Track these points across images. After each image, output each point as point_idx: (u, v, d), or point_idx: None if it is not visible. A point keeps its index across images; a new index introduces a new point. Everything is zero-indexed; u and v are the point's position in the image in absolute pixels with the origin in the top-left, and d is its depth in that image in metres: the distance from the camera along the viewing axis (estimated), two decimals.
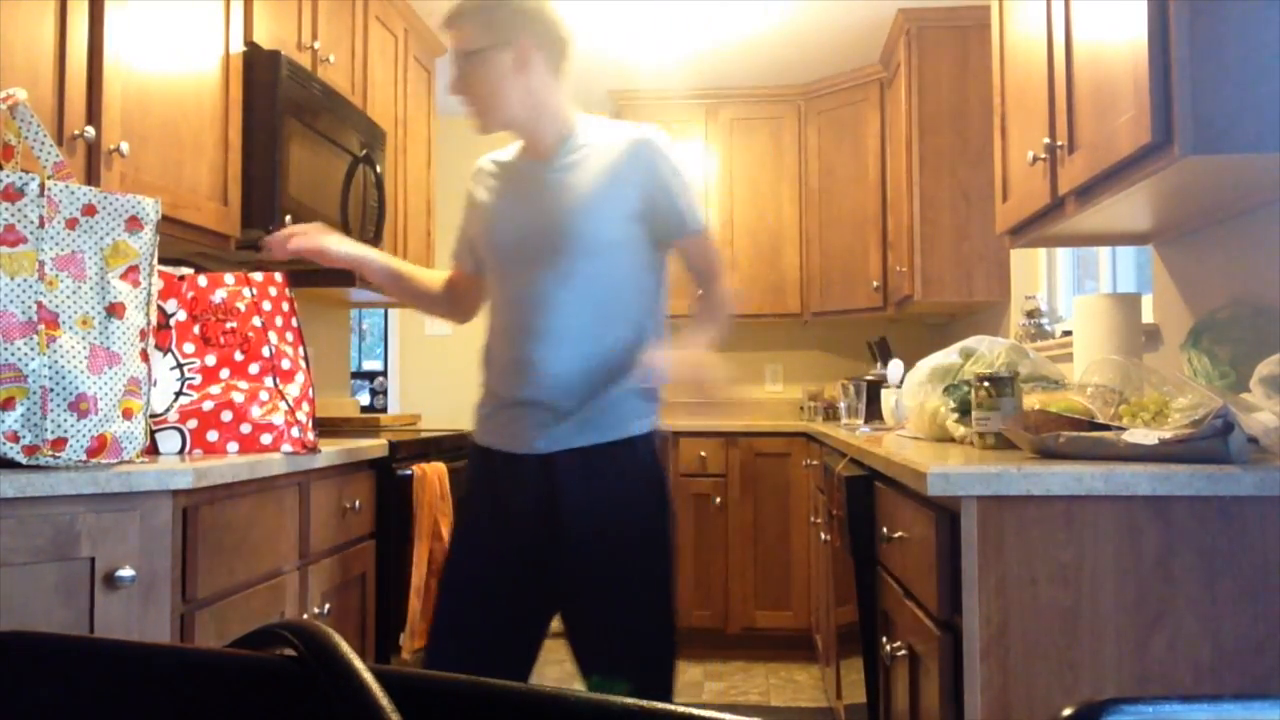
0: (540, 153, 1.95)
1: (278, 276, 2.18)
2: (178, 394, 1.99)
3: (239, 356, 2.06)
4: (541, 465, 1.82)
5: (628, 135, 1.91)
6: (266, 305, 2.13)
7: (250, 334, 2.08)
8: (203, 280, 2.08)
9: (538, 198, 1.91)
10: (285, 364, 2.13)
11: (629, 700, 0.44)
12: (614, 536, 1.82)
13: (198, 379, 2.01)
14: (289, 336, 2.15)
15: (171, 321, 2.00)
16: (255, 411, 2.03)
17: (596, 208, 1.84)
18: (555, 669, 4.22)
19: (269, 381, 2.09)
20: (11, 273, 1.57)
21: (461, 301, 2.16)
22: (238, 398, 2.02)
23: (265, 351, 2.09)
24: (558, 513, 1.81)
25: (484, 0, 1.89)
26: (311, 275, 3.14)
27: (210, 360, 2.03)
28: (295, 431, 2.08)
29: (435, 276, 2.18)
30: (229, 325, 2.05)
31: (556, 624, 1.91)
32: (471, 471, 1.98)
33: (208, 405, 1.99)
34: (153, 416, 1.96)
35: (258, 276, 2.16)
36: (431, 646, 1.91)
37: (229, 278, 2.11)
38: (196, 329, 2.02)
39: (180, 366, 1.99)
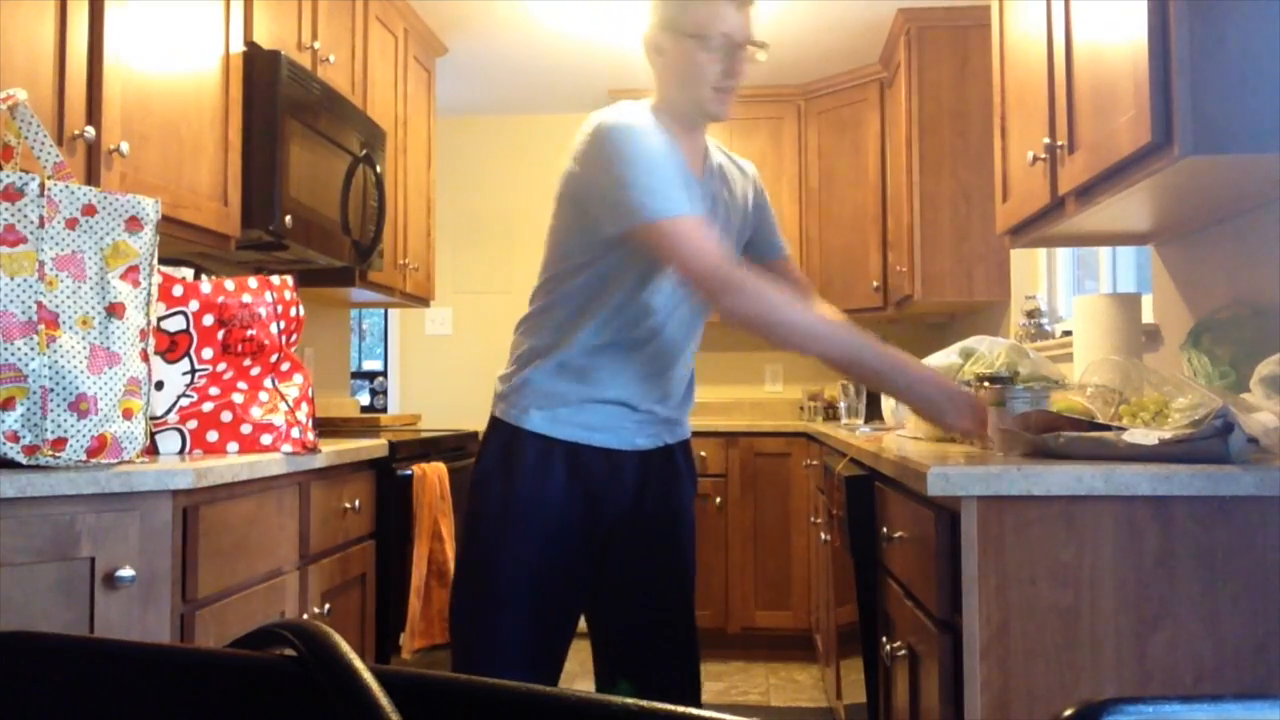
0: (694, 160, 1.87)
1: (289, 279, 2.18)
2: (180, 395, 1.99)
3: (246, 361, 2.06)
4: (641, 460, 1.87)
5: (741, 160, 2.02)
6: (279, 308, 2.13)
7: (266, 341, 2.08)
8: (230, 284, 2.07)
9: (708, 209, 1.84)
10: (285, 365, 2.13)
11: (629, 700, 0.44)
12: (682, 530, 1.97)
13: (203, 383, 2.01)
14: (293, 338, 2.16)
15: (192, 329, 1.99)
16: (255, 412, 2.03)
17: (747, 223, 1.96)
18: None
19: (268, 382, 2.09)
20: (11, 273, 1.57)
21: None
22: (237, 398, 2.02)
23: (273, 358, 2.10)
24: (643, 503, 1.88)
25: None
26: (312, 275, 3.15)
27: (222, 367, 2.03)
28: (295, 432, 2.08)
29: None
30: (249, 333, 2.04)
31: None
32: (539, 463, 1.79)
33: (207, 406, 1.99)
34: (153, 418, 1.96)
35: (275, 280, 2.16)
36: (521, 656, 1.79)
37: (252, 282, 2.10)
38: (221, 335, 2.01)
39: (193, 373, 1.99)
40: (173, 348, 1.97)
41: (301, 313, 2.17)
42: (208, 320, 2.00)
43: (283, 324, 2.11)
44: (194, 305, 2.00)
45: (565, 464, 1.78)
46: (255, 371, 2.07)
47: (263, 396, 2.06)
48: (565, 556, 1.80)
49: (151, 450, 1.93)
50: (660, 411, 1.89)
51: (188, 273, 2.18)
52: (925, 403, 1.70)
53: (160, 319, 1.96)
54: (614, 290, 1.76)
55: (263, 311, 2.08)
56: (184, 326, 1.99)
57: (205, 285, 2.04)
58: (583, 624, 1.96)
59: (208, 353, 2.00)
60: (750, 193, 1.98)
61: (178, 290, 2.00)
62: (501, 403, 1.84)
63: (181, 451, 1.98)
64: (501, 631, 1.78)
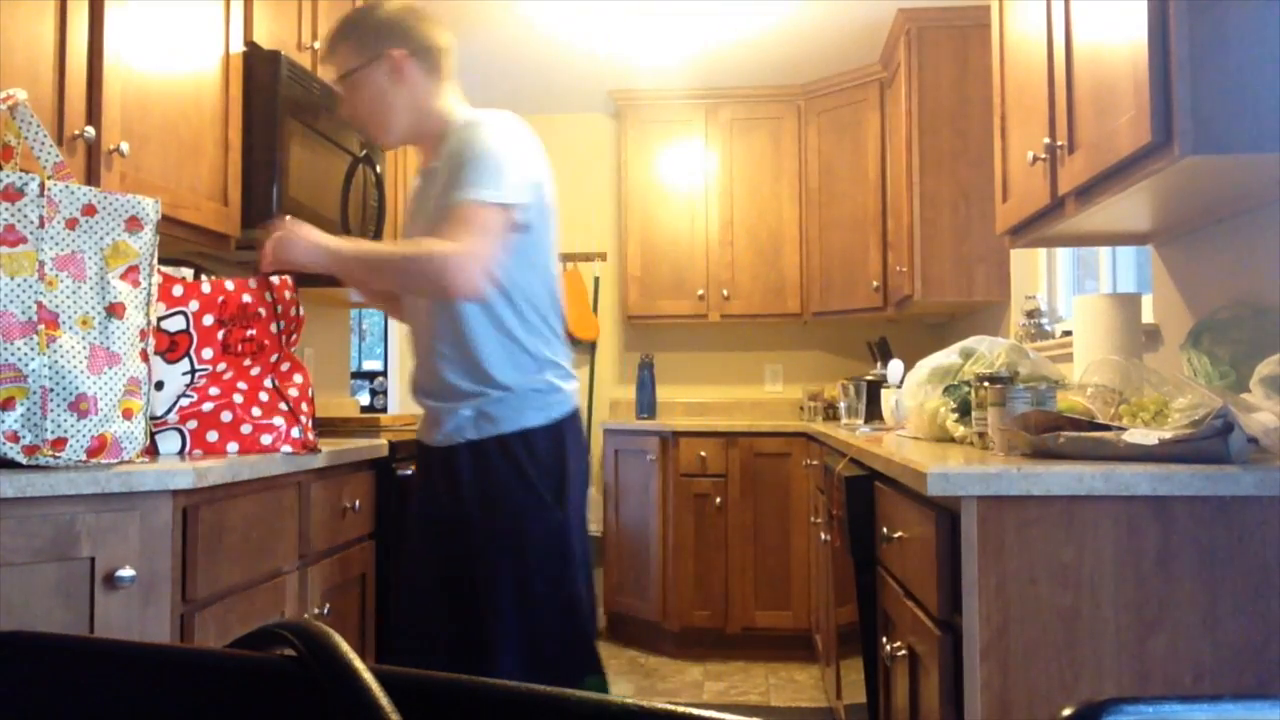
0: (426, 158, 2.09)
1: (289, 279, 2.18)
2: (180, 395, 1.99)
3: (246, 362, 2.06)
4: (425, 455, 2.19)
5: (458, 125, 2.02)
6: (278, 308, 2.13)
7: (266, 342, 2.07)
8: (230, 285, 2.07)
9: (413, 209, 2.12)
10: (285, 365, 2.13)
11: (629, 700, 0.44)
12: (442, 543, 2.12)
13: (203, 383, 2.01)
14: (293, 337, 2.16)
15: (192, 328, 1.98)
16: (255, 412, 2.03)
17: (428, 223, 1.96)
18: None
19: (269, 382, 2.09)
20: (11, 273, 1.57)
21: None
22: (237, 398, 2.02)
23: (273, 358, 2.09)
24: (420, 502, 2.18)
25: (349, 23, 2.03)
26: (312, 275, 3.14)
27: (222, 367, 2.03)
28: (295, 432, 2.08)
29: None
30: (249, 333, 2.04)
31: None
32: (576, 448, 2.03)
33: (207, 406, 1.99)
34: (153, 418, 1.96)
35: (274, 280, 2.15)
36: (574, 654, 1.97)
37: (252, 281, 2.10)
38: (221, 335, 2.01)
39: (193, 373, 1.98)
40: (173, 348, 1.96)
41: (302, 312, 2.16)
42: (208, 320, 2.00)
43: (282, 324, 2.11)
44: (194, 305, 2.00)
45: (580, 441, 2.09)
46: (255, 371, 2.07)
47: (263, 396, 2.05)
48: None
49: (151, 450, 1.93)
50: (425, 403, 2.10)
51: (188, 273, 2.18)
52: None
53: (160, 319, 1.96)
54: None
55: (262, 311, 2.08)
56: (184, 326, 1.98)
57: (205, 285, 2.04)
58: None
59: (208, 353, 2.00)
60: (445, 169, 1.98)
61: (177, 290, 1.99)
62: None
63: (181, 451, 1.97)
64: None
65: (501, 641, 1.88)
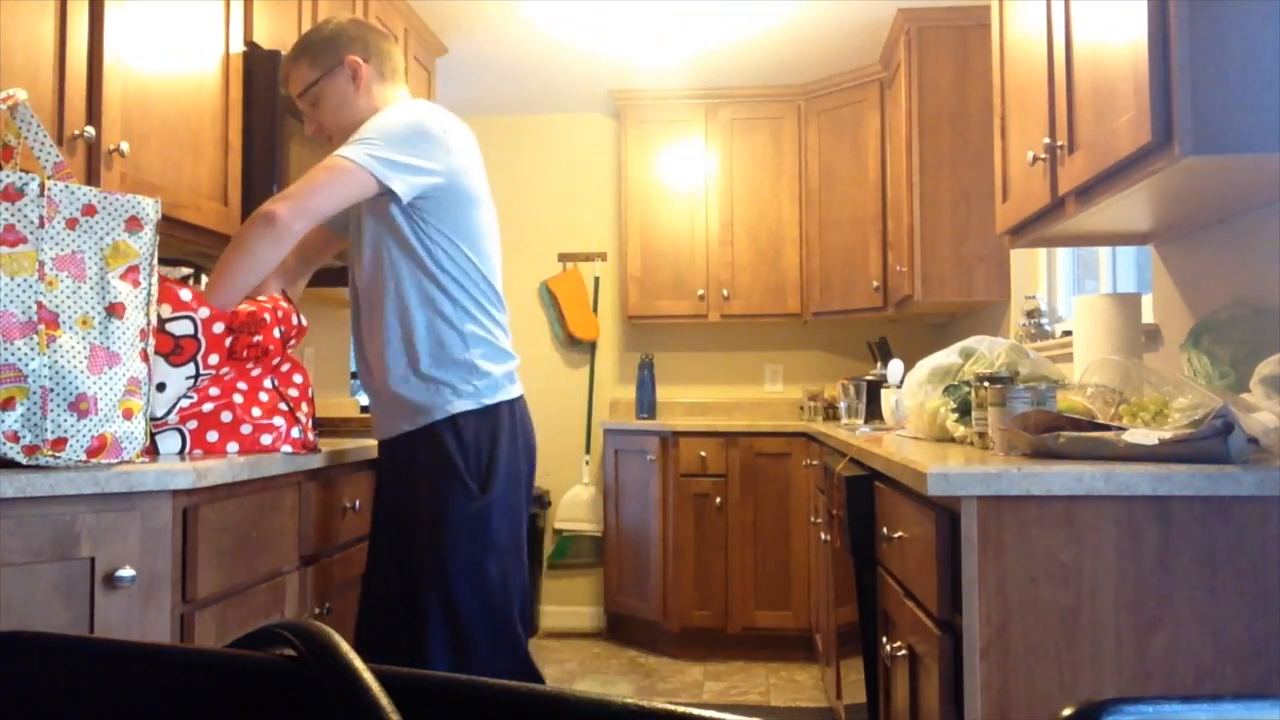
0: None
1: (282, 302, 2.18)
2: (181, 396, 1.99)
3: (249, 364, 2.06)
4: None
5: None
6: (281, 313, 2.13)
7: (270, 347, 2.07)
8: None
9: None
10: (285, 365, 2.13)
11: (629, 700, 0.44)
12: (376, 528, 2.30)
13: (205, 384, 2.01)
14: (292, 342, 2.16)
15: (201, 335, 1.98)
16: (255, 412, 2.03)
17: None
18: (555, 669, 4.22)
19: (269, 382, 2.09)
20: (11, 273, 1.57)
21: None
22: (238, 399, 2.02)
23: (274, 361, 2.10)
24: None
25: (301, 44, 2.16)
26: (312, 276, 3.14)
27: (225, 371, 2.03)
28: (295, 432, 2.08)
29: None
30: (256, 339, 2.04)
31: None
32: (509, 435, 2.09)
33: (207, 406, 1.99)
34: (153, 419, 1.95)
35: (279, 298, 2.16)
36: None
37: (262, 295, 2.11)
38: (229, 342, 2.01)
39: (196, 377, 1.98)
40: (178, 351, 1.96)
41: (304, 322, 2.17)
42: (218, 328, 1.99)
43: (283, 328, 2.12)
44: (204, 312, 2.00)
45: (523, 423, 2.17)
46: (256, 372, 2.07)
47: (263, 397, 2.05)
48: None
49: (151, 450, 1.93)
50: (370, 400, 2.16)
51: (187, 272, 2.18)
52: None
53: (165, 320, 1.96)
54: None
55: (267, 318, 2.08)
56: (191, 332, 1.98)
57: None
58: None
59: (214, 359, 2.00)
60: None
61: (185, 294, 1.99)
62: None
63: (181, 451, 1.97)
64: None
65: (428, 623, 2.00)
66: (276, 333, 2.09)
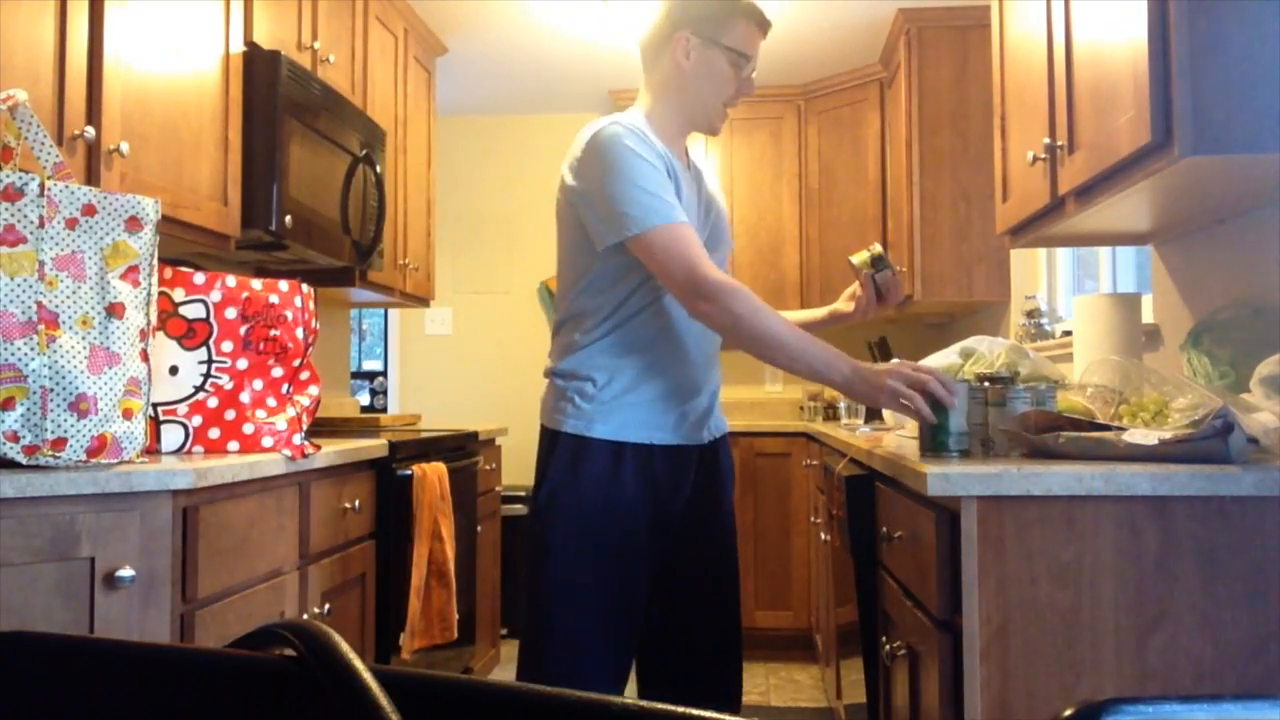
0: (683, 158, 1.94)
1: (304, 286, 2.18)
2: (198, 389, 1.99)
3: (270, 362, 2.06)
4: (699, 456, 1.90)
5: (701, 159, 2.08)
6: (305, 315, 2.14)
7: (290, 344, 2.08)
8: (257, 284, 2.08)
9: (704, 204, 1.94)
10: (305, 374, 2.14)
11: (628, 700, 0.44)
12: (730, 528, 2.02)
13: (223, 379, 2.01)
14: (309, 349, 2.17)
15: (213, 319, 1.99)
16: (260, 413, 2.03)
17: (719, 227, 1.98)
18: None
19: (285, 389, 2.09)
20: (11, 273, 1.57)
21: None
22: (244, 397, 2.02)
23: (296, 362, 2.10)
24: (698, 504, 1.90)
25: None
26: (312, 275, 3.15)
27: (242, 364, 2.03)
28: (297, 439, 2.09)
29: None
30: (273, 333, 2.04)
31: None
32: (609, 471, 1.78)
33: (213, 402, 2.00)
34: (163, 405, 1.96)
35: (304, 288, 2.16)
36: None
37: (283, 284, 2.11)
38: (243, 330, 2.01)
39: (209, 363, 1.98)
40: (190, 334, 1.97)
41: (317, 325, 2.18)
42: (230, 313, 2.00)
43: (304, 330, 2.12)
44: (216, 295, 2.00)
45: (635, 466, 1.79)
46: (277, 373, 2.08)
47: (270, 401, 2.06)
48: (636, 562, 1.82)
49: (154, 437, 1.93)
50: (706, 402, 1.90)
51: (186, 271, 2.17)
52: (863, 399, 1.84)
53: (179, 304, 1.96)
54: (646, 287, 1.80)
55: (289, 315, 2.08)
56: (203, 315, 1.98)
57: (230, 279, 2.05)
58: None
59: (228, 345, 2.00)
60: (717, 191, 2.04)
61: (199, 279, 2.00)
62: (561, 415, 1.82)
63: (183, 447, 1.98)
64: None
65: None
66: (299, 333, 2.10)
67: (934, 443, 1.65)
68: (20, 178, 1.60)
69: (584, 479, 1.77)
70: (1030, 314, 3.25)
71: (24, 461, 1.58)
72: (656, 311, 1.81)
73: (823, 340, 1.79)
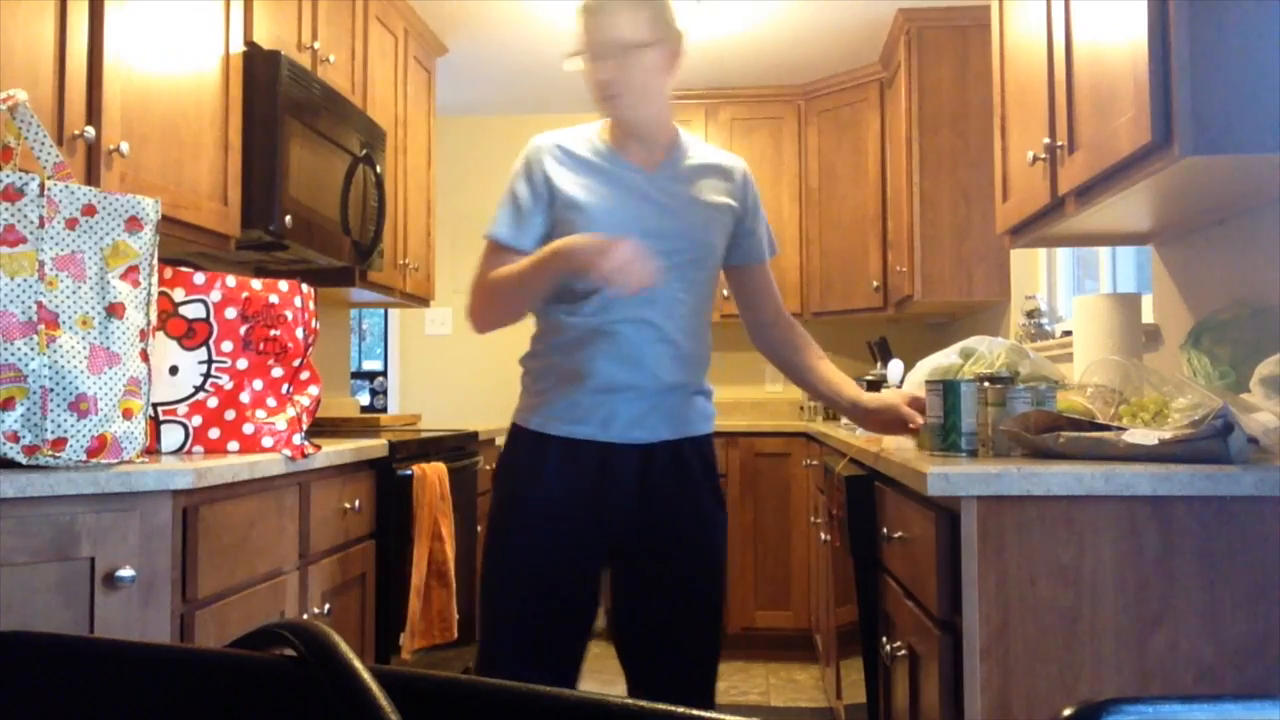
0: (649, 158, 1.94)
1: (304, 286, 2.18)
2: (198, 388, 1.99)
3: (270, 362, 2.06)
4: (640, 456, 1.85)
5: (731, 160, 2.02)
6: (305, 315, 2.13)
7: (290, 344, 2.08)
8: (256, 284, 2.08)
9: (657, 203, 1.89)
10: (305, 374, 2.13)
11: (628, 700, 0.44)
12: (691, 531, 1.89)
13: (224, 379, 2.01)
14: (312, 350, 2.17)
15: (213, 318, 1.99)
16: (260, 414, 2.03)
17: (719, 221, 1.93)
18: None
19: (285, 389, 2.09)
20: (11, 273, 1.57)
21: None
22: (245, 397, 2.02)
23: (295, 362, 2.10)
24: (649, 505, 1.85)
25: None
26: (312, 275, 3.15)
27: (242, 364, 2.03)
28: (297, 439, 2.09)
29: None
30: (273, 333, 2.04)
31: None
32: (530, 460, 1.84)
33: (213, 402, 2.00)
34: (163, 405, 1.96)
35: (304, 288, 2.16)
36: (515, 660, 1.85)
37: (283, 284, 2.11)
38: (243, 330, 2.01)
39: (209, 363, 1.98)
40: (190, 334, 1.97)
41: (317, 325, 2.18)
42: (230, 313, 2.00)
43: (304, 330, 2.12)
44: (215, 295, 2.01)
45: (559, 462, 1.83)
46: (277, 373, 2.08)
47: (270, 401, 2.06)
48: (567, 554, 1.85)
49: (154, 436, 1.93)
50: (649, 402, 1.84)
51: (185, 270, 2.17)
52: (561, 273, 1.76)
53: (179, 304, 1.96)
54: (578, 286, 1.83)
55: (289, 315, 2.08)
56: (203, 315, 1.99)
57: (230, 279, 2.04)
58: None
59: (228, 345, 2.00)
60: (734, 194, 1.96)
61: (199, 279, 2.00)
62: (517, 406, 1.93)
63: (183, 447, 1.98)
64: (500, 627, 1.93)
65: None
66: (299, 333, 2.10)
67: (945, 442, 1.67)
68: (20, 178, 1.60)
69: (510, 470, 1.87)
70: (1030, 314, 3.25)
71: (24, 461, 1.58)
72: (592, 309, 1.82)
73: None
